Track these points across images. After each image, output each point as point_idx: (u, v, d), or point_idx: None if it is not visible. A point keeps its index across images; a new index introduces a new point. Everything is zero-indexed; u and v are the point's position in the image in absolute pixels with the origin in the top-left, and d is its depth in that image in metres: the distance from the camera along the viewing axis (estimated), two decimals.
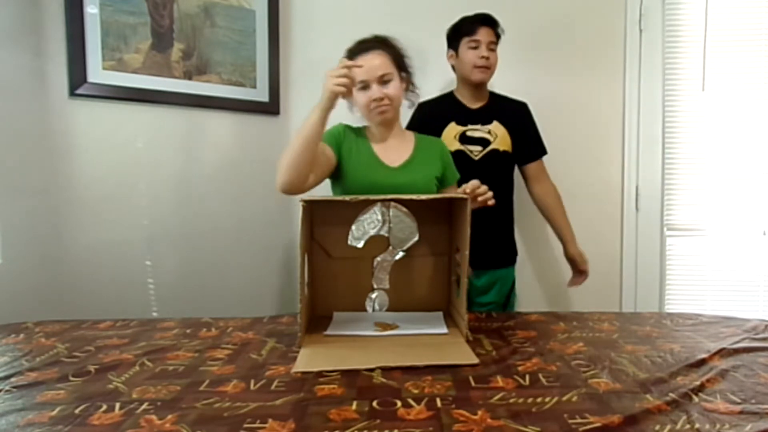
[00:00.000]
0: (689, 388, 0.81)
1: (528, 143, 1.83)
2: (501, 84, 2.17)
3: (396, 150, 1.46)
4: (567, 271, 2.23)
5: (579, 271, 1.83)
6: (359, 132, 1.49)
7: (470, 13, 2.27)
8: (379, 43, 1.42)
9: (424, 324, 1.16)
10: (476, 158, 1.72)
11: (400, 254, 1.23)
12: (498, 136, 1.75)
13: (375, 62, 1.36)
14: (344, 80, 1.20)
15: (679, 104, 2.16)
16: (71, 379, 0.88)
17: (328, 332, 1.11)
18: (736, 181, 2.16)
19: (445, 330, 1.12)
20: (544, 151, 1.89)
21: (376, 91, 1.36)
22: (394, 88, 1.38)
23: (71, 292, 1.72)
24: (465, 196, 1.09)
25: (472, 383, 0.84)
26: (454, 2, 2.17)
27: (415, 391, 0.81)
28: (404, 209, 1.21)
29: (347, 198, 1.11)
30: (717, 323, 1.21)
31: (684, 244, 2.20)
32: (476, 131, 1.74)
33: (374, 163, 1.43)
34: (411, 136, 1.53)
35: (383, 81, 1.36)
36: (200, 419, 0.72)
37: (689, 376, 0.87)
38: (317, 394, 0.80)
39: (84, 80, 1.71)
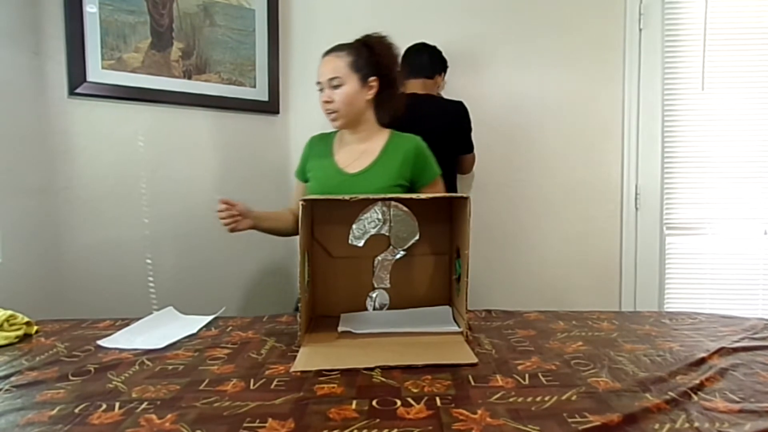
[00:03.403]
0: (689, 386, 0.81)
1: None
2: (502, 85, 2.18)
3: (360, 155, 1.43)
4: (567, 271, 2.23)
5: None
6: (328, 138, 1.50)
7: (474, 11, 2.27)
8: (343, 47, 1.41)
9: (434, 322, 1.15)
10: None
11: (401, 253, 1.23)
12: None
13: (328, 66, 1.38)
14: (230, 224, 1.30)
15: (678, 103, 2.16)
16: (71, 378, 0.88)
17: (341, 328, 1.11)
18: (735, 181, 2.16)
19: (456, 328, 1.11)
20: None
21: (323, 95, 1.39)
22: (342, 93, 1.37)
23: (71, 290, 1.72)
24: (466, 195, 1.09)
25: (472, 382, 0.84)
26: (455, 4, 2.17)
27: (415, 390, 0.81)
28: (405, 208, 1.21)
29: (347, 197, 1.11)
30: (716, 322, 1.21)
31: (683, 243, 2.21)
32: None
33: (331, 172, 1.43)
34: (384, 138, 1.46)
35: (332, 86, 1.37)
36: (200, 418, 0.72)
37: (688, 375, 0.87)
38: (317, 393, 0.80)
39: (83, 79, 1.71)
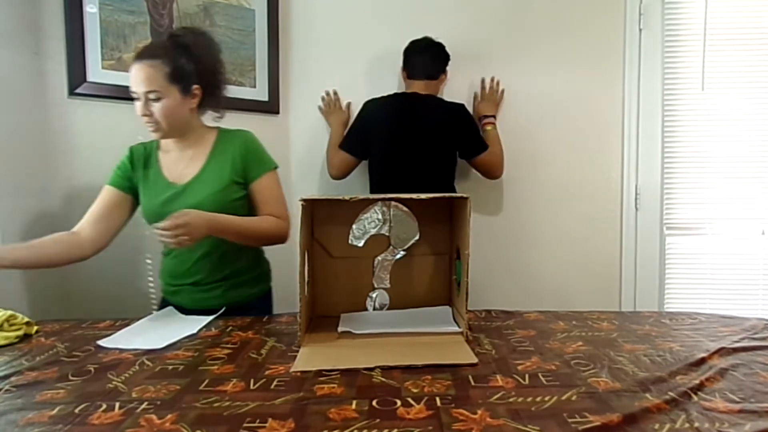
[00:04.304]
0: (688, 387, 0.81)
1: None
2: (502, 85, 2.18)
3: (188, 162, 1.34)
4: (567, 271, 2.23)
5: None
6: (150, 147, 1.39)
7: (474, 11, 2.27)
8: (158, 53, 1.25)
9: (434, 322, 1.15)
10: None
11: (401, 253, 1.23)
12: None
13: (142, 75, 1.23)
14: None
15: (678, 103, 2.16)
16: (71, 378, 0.88)
17: (341, 328, 1.11)
18: (735, 181, 2.16)
19: (456, 328, 1.11)
20: None
21: (140, 107, 1.25)
22: (161, 107, 1.24)
23: (71, 291, 1.72)
24: (466, 195, 1.09)
25: (472, 382, 0.84)
26: (455, 3, 2.17)
27: (415, 390, 0.81)
28: (405, 208, 1.21)
29: (347, 197, 1.11)
30: (716, 322, 1.21)
31: (683, 243, 2.21)
32: None
33: (161, 185, 1.33)
34: (211, 139, 1.37)
35: (150, 98, 1.24)
36: (200, 419, 0.72)
37: (688, 375, 0.87)
38: (317, 394, 0.80)
39: (83, 79, 1.71)
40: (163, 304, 1.42)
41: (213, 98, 1.37)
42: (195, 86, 1.30)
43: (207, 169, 1.33)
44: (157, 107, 1.25)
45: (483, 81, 2.13)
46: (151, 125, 1.28)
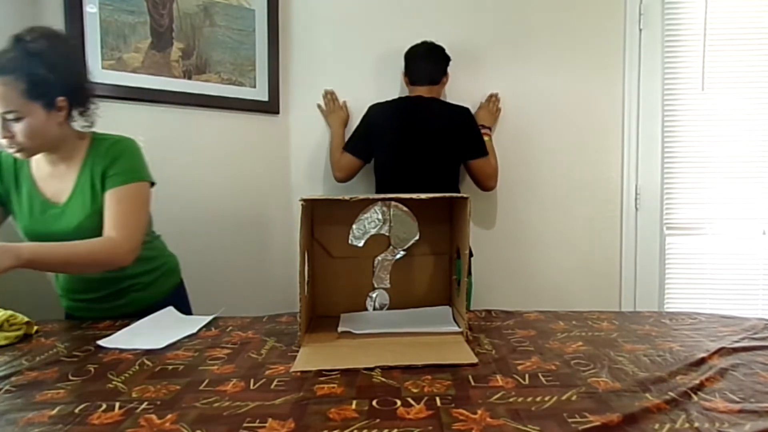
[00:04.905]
0: (688, 387, 0.81)
1: None
2: (501, 85, 2.18)
3: (61, 177, 1.22)
4: (567, 271, 2.23)
5: None
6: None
7: (473, 11, 2.28)
8: (11, 67, 1.08)
9: (434, 322, 1.15)
10: None
11: (401, 253, 1.23)
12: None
13: None
14: None
15: (678, 103, 2.16)
16: (71, 378, 0.88)
17: (341, 328, 1.11)
18: (735, 181, 2.16)
19: (456, 328, 1.11)
20: None
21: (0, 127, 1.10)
22: (24, 128, 1.10)
23: None
24: (466, 195, 1.09)
25: (472, 382, 0.84)
26: (455, 3, 2.18)
27: (415, 390, 0.81)
28: (405, 208, 1.21)
29: (347, 197, 1.11)
30: (716, 322, 1.21)
31: (683, 243, 2.21)
32: None
33: (37, 203, 1.21)
34: (83, 149, 1.23)
35: (8, 119, 1.10)
36: (200, 418, 0.72)
37: (688, 375, 0.87)
38: (317, 394, 0.80)
39: None
40: (68, 317, 1.37)
41: (81, 107, 1.24)
42: (60, 98, 1.16)
43: (79, 185, 1.21)
44: (18, 128, 1.10)
45: (490, 97, 2.14)
46: (13, 147, 1.13)
